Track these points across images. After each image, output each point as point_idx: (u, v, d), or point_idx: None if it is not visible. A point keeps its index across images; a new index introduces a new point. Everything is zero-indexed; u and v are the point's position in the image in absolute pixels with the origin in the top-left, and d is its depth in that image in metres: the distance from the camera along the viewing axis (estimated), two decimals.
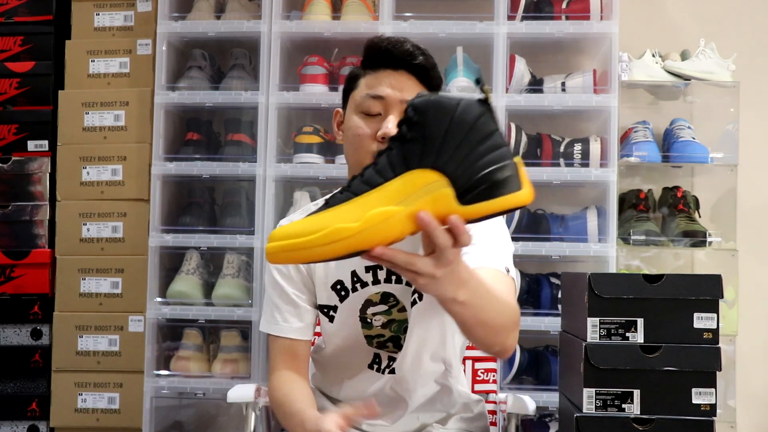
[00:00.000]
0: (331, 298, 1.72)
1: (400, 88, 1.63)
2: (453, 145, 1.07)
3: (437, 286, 1.20)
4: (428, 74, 1.66)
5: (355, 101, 1.67)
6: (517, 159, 1.11)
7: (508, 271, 1.58)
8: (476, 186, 1.07)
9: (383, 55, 1.65)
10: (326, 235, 1.06)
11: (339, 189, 1.18)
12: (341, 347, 1.74)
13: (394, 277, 1.70)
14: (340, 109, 1.75)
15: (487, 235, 1.59)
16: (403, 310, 1.69)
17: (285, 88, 2.88)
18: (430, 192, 1.08)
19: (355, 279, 1.70)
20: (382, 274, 1.69)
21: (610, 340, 1.78)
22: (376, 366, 1.73)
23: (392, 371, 1.72)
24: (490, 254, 1.57)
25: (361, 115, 1.65)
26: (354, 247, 1.07)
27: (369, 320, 1.69)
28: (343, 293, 1.71)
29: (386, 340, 1.71)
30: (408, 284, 1.70)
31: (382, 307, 1.69)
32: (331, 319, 1.73)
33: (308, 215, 1.13)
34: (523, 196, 1.08)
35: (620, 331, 1.79)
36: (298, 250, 1.08)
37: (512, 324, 1.47)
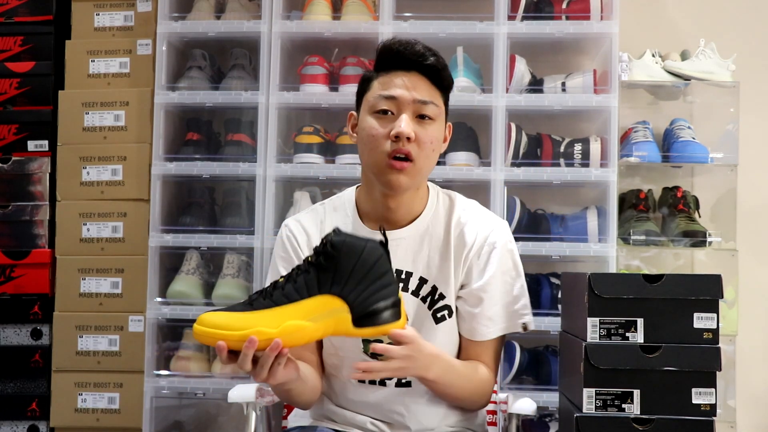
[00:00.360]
0: None
1: (411, 88, 1.68)
2: (356, 280, 1.41)
3: (407, 372, 1.60)
4: (439, 74, 1.71)
5: (369, 102, 1.71)
6: (400, 294, 1.48)
7: (524, 327, 1.80)
8: (367, 316, 1.42)
9: (395, 56, 1.70)
10: (248, 334, 1.36)
11: (259, 291, 1.44)
12: (336, 351, 1.76)
13: (401, 284, 1.74)
14: (354, 112, 1.78)
15: (505, 293, 1.78)
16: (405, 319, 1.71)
17: (285, 88, 2.88)
18: (333, 315, 1.41)
19: None
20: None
21: (610, 340, 1.78)
22: (368, 380, 1.74)
23: (406, 384, 1.75)
24: (496, 321, 1.76)
25: (375, 116, 1.70)
26: (267, 346, 1.38)
27: None
28: None
29: None
30: (423, 300, 1.76)
31: None
32: None
33: (232, 311, 1.40)
34: (399, 324, 1.47)
35: (620, 331, 1.78)
36: (221, 339, 1.37)
37: (479, 395, 1.77)
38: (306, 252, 1.78)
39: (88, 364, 2.90)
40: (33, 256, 2.99)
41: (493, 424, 2.13)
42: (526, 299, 1.80)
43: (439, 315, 1.75)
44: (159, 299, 2.85)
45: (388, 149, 1.66)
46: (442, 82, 1.72)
